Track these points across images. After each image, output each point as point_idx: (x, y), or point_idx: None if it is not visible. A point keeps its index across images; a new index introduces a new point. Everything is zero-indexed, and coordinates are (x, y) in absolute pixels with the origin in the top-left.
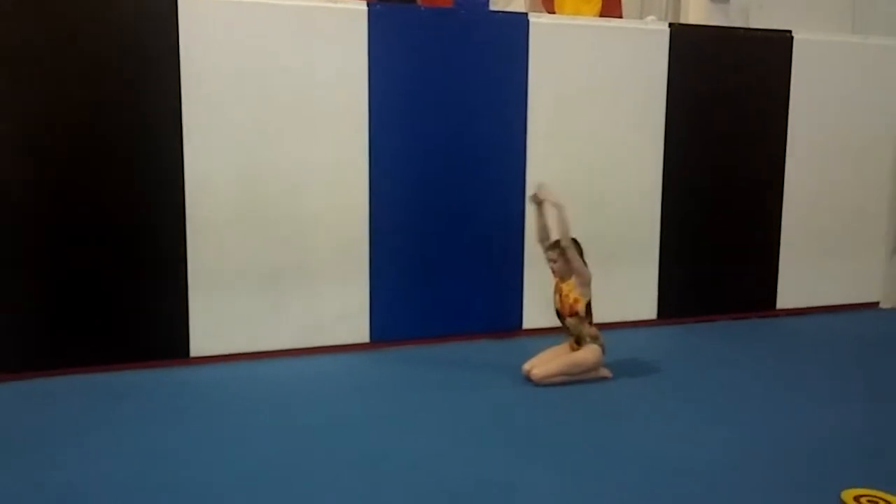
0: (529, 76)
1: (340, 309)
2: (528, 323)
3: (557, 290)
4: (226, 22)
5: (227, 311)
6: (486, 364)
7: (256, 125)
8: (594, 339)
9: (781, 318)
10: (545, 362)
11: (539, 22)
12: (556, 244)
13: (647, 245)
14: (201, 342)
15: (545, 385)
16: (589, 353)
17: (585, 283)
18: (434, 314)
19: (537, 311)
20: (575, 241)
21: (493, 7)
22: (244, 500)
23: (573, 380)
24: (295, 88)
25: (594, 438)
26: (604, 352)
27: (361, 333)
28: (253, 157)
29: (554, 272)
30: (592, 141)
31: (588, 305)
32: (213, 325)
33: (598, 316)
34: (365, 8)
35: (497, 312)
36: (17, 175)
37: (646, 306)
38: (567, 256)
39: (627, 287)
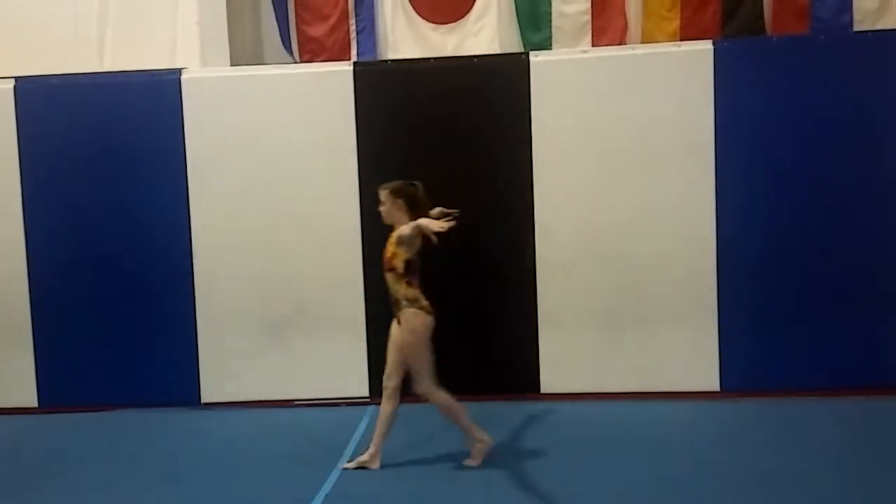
0: None
1: (685, 353)
2: None
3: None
4: (570, 78)
5: (572, 349)
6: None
7: (599, 172)
8: (411, 303)
9: None
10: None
11: None
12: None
13: None
14: (550, 379)
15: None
16: (406, 326)
17: (402, 241)
18: (793, 364)
19: None
20: (413, 185)
21: (857, 27)
22: None
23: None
24: (635, 134)
25: None
26: (430, 314)
27: (710, 381)
28: (595, 201)
29: (382, 217)
30: None
31: (408, 263)
32: (559, 363)
33: None
34: (710, 47)
35: (870, 367)
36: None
37: None
38: (394, 205)
39: None
